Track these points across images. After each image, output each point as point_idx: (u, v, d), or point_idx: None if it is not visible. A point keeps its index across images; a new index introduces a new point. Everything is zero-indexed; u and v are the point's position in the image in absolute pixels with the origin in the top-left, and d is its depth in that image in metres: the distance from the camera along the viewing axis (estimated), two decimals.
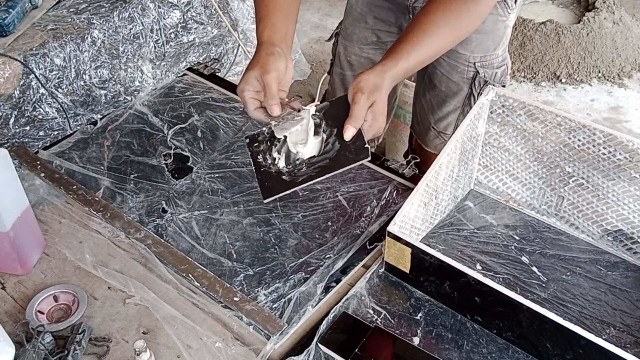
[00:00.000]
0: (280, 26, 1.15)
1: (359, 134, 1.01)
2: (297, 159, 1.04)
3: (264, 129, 1.10)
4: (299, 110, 1.07)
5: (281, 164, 1.06)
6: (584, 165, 1.13)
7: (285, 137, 1.06)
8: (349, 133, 1.02)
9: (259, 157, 1.09)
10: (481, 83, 1.50)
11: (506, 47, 1.52)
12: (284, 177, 1.04)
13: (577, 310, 1.04)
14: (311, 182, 1.03)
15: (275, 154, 1.07)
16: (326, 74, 3.03)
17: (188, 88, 1.55)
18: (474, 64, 1.48)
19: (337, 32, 1.68)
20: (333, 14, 3.73)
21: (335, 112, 1.05)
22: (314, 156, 1.03)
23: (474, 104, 1.51)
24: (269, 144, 1.08)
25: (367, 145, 1.00)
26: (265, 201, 1.06)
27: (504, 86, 1.53)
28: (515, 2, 1.44)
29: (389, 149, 2.57)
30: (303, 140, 1.04)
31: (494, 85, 1.47)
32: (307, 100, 3.05)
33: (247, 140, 1.11)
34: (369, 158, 1.00)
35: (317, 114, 1.07)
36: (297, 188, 1.04)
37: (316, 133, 1.05)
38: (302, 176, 1.03)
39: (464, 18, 1.14)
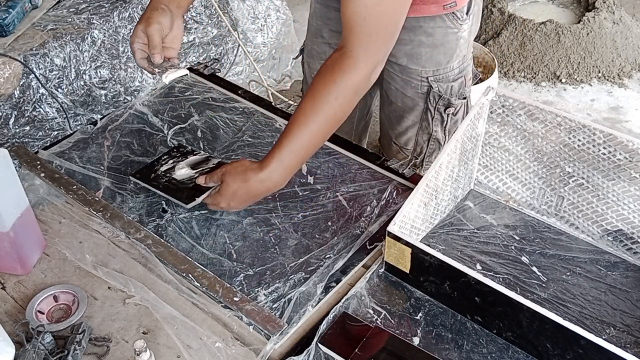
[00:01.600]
0: None
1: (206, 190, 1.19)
2: (169, 175, 1.25)
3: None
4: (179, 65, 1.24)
5: (163, 168, 1.27)
6: (584, 165, 1.13)
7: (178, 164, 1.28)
8: (198, 180, 1.18)
9: (163, 157, 1.30)
10: (436, 97, 1.47)
11: (465, 59, 1.48)
12: (152, 175, 1.26)
13: (577, 310, 1.04)
14: (151, 189, 1.24)
15: (171, 162, 1.28)
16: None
17: (188, 88, 1.55)
18: (427, 78, 1.45)
19: (302, 49, 1.67)
20: None
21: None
22: (175, 179, 1.24)
23: (432, 118, 1.51)
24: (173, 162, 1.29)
25: (197, 199, 1.18)
26: (130, 176, 1.28)
27: (464, 98, 1.49)
28: (467, 13, 1.41)
29: None
30: (183, 168, 1.27)
31: (450, 98, 1.46)
32: None
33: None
34: (187, 207, 1.19)
35: (218, 159, 1.28)
36: (147, 185, 1.25)
37: (196, 168, 1.25)
38: (156, 184, 1.24)
39: (332, 91, 1.07)
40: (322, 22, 1.53)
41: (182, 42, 1.25)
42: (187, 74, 1.25)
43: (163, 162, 1.29)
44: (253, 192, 1.12)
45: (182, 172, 1.25)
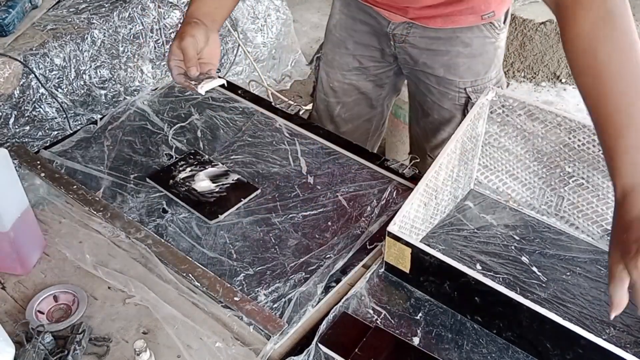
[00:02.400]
0: (208, 2, 1.22)
1: None
2: (189, 184, 1.26)
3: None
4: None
5: (182, 175, 1.28)
6: (584, 165, 1.13)
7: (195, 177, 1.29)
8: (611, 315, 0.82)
9: (180, 163, 1.31)
10: None
11: (499, 69, 1.46)
12: (171, 181, 1.27)
13: (577, 310, 1.04)
14: (171, 196, 1.24)
15: (189, 170, 1.29)
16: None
17: None
18: (465, 89, 1.42)
19: (317, 57, 1.64)
20: None
21: (240, 188, 1.26)
22: (195, 190, 1.25)
23: None
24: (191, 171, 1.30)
25: (220, 216, 1.19)
26: (147, 178, 1.28)
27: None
28: (504, 21, 1.39)
29: (389, 149, 2.57)
30: (204, 180, 1.29)
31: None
32: (307, 100, 3.05)
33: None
34: (210, 223, 1.19)
35: (237, 175, 1.28)
36: (165, 191, 1.25)
37: (215, 181, 1.27)
38: (175, 192, 1.25)
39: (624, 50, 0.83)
40: (346, 33, 1.50)
41: (220, 58, 1.21)
42: (224, 83, 1.22)
43: (180, 169, 1.30)
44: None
45: (203, 184, 1.26)
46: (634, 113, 0.78)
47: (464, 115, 1.45)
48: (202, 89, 1.17)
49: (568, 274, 1.11)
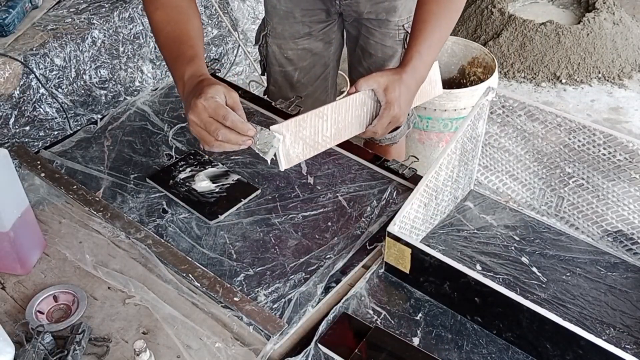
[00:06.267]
0: (198, 59, 1.12)
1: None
2: (189, 184, 1.26)
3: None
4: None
5: (182, 175, 1.28)
6: (584, 166, 1.13)
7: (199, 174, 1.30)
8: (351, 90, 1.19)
9: (180, 163, 1.31)
10: None
11: None
12: (171, 182, 1.27)
13: (577, 310, 1.04)
14: (171, 196, 1.24)
15: (189, 170, 1.29)
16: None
17: None
18: (403, 25, 1.57)
19: (264, 35, 1.71)
20: None
21: (240, 188, 1.26)
22: (195, 190, 1.25)
23: None
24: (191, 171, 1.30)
25: (220, 216, 1.19)
26: (147, 178, 1.28)
27: None
28: None
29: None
30: (204, 180, 1.28)
31: None
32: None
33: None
34: (210, 223, 1.18)
35: (237, 175, 1.28)
36: (165, 192, 1.26)
37: (215, 181, 1.27)
38: (175, 192, 1.25)
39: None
40: (292, 4, 1.59)
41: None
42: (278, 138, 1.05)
43: (180, 169, 1.30)
44: (411, 88, 1.21)
45: (203, 184, 1.26)
46: (427, 36, 1.23)
47: (404, 47, 1.60)
48: (268, 156, 1.04)
49: (568, 274, 1.11)
